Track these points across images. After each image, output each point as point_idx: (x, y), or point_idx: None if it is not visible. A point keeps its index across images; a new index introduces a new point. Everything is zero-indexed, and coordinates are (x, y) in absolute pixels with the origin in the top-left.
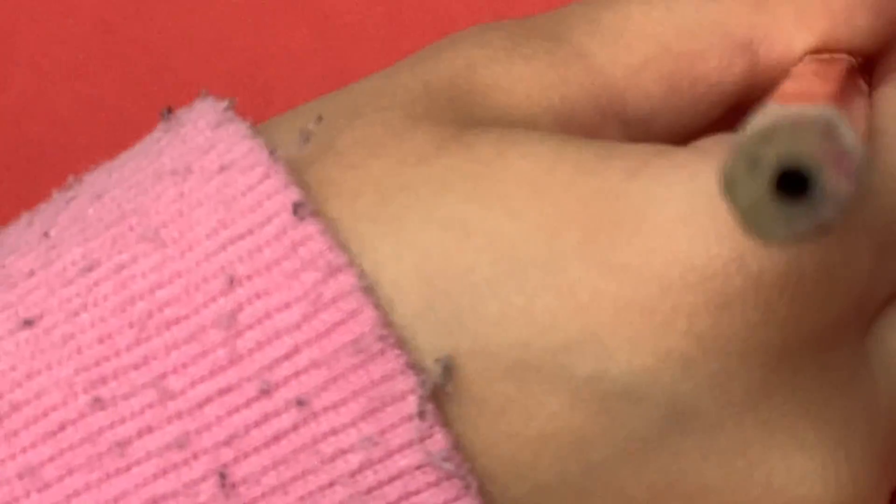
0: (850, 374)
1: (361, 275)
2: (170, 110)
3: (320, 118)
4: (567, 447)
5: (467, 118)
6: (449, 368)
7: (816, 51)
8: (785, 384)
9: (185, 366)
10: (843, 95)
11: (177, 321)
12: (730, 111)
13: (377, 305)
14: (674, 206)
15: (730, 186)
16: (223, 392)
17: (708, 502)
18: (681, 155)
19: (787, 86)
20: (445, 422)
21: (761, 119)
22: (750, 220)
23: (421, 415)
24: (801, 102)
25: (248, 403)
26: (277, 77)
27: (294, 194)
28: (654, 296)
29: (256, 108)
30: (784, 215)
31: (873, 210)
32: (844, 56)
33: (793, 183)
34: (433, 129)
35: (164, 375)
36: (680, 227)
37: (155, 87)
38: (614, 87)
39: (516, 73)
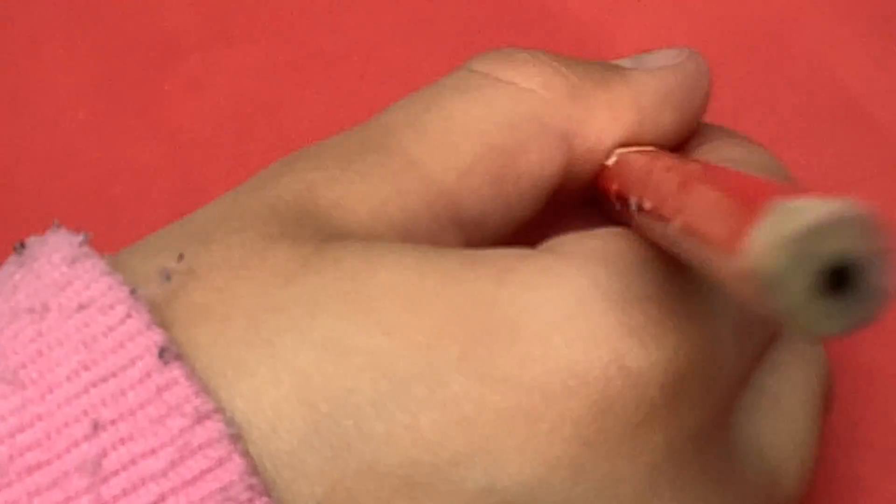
0: (725, 465)
1: (230, 422)
2: (22, 244)
3: (181, 256)
4: None
5: (321, 234)
6: None
7: (623, 144)
8: (671, 483)
9: None
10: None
11: (39, 466)
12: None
13: (245, 452)
14: (546, 311)
15: (775, 287)
16: None
17: None
18: (544, 259)
19: (708, 188)
20: None
21: (798, 216)
22: (799, 319)
23: None
24: (795, 196)
25: None
26: (125, 193)
27: (157, 336)
28: (537, 404)
29: (104, 223)
30: (832, 312)
31: (727, 295)
32: (651, 147)
33: (834, 278)
34: (293, 246)
35: None
36: (556, 334)
37: (1, 201)
38: (448, 192)
39: (355, 191)
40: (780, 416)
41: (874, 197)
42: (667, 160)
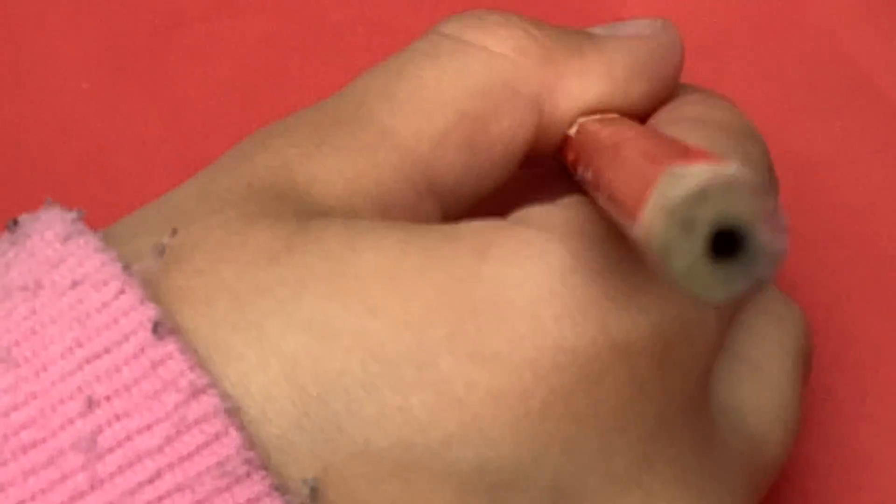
0: (711, 433)
1: (224, 395)
2: (15, 222)
3: (175, 231)
4: None
5: (300, 212)
6: (315, 490)
7: (592, 111)
8: (663, 454)
9: (44, 492)
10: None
11: (33, 445)
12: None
13: (242, 426)
14: (531, 287)
15: (665, 252)
16: None
17: None
18: (522, 232)
19: (640, 144)
20: None
21: (683, 182)
22: (689, 284)
23: None
24: (684, 163)
25: None
26: (129, 163)
27: (151, 311)
28: (528, 382)
29: (107, 193)
30: (723, 276)
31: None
32: (614, 115)
33: (724, 243)
34: (274, 225)
35: (22, 502)
36: (543, 310)
37: (3, 172)
38: (423, 161)
39: (330, 166)
40: (761, 383)
41: (882, 171)
42: (615, 128)
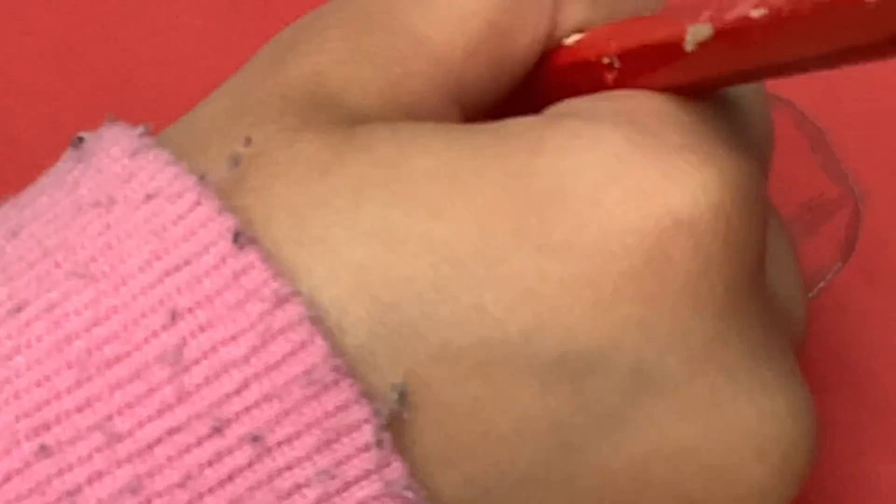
0: (769, 308)
1: (309, 303)
2: (80, 139)
3: (249, 140)
4: (545, 434)
5: (340, 120)
6: (404, 394)
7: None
8: (736, 329)
9: (130, 406)
10: None
11: (118, 359)
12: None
13: (327, 334)
14: (589, 174)
15: None
16: (173, 432)
17: (690, 463)
18: (571, 124)
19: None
20: (404, 447)
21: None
22: None
23: (378, 443)
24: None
25: (199, 442)
26: None
27: (230, 221)
28: (598, 267)
29: None
30: None
31: (756, 139)
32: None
33: None
34: (319, 136)
35: (109, 417)
36: (604, 194)
37: (115, 108)
38: (454, 72)
39: (363, 74)
40: (781, 262)
41: None
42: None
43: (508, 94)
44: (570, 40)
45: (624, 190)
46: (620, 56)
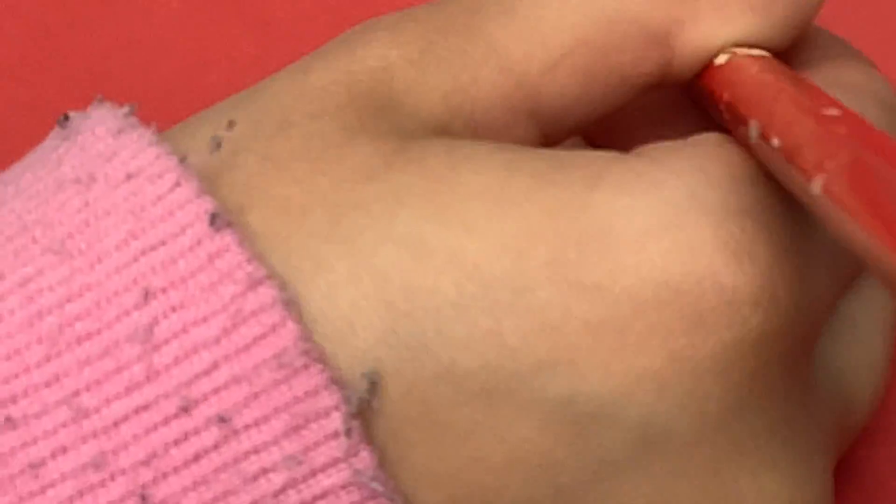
0: (807, 389)
1: (283, 286)
2: (66, 117)
3: (231, 123)
4: (536, 471)
5: (398, 128)
6: (375, 384)
7: (735, 45)
8: (756, 404)
9: (99, 382)
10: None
11: (89, 336)
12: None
13: (299, 319)
14: (641, 219)
15: None
16: (140, 409)
17: None
18: (639, 164)
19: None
20: (372, 439)
21: None
22: None
23: (347, 432)
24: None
25: (166, 421)
26: (218, 83)
27: (208, 204)
28: (627, 315)
29: (197, 112)
30: None
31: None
32: (763, 52)
33: None
34: (374, 142)
35: (77, 393)
36: (651, 242)
37: (94, 92)
38: (529, 84)
39: (430, 77)
40: (857, 341)
41: None
42: (788, 83)
43: (639, 107)
44: (721, 59)
45: (672, 241)
46: (728, 106)
